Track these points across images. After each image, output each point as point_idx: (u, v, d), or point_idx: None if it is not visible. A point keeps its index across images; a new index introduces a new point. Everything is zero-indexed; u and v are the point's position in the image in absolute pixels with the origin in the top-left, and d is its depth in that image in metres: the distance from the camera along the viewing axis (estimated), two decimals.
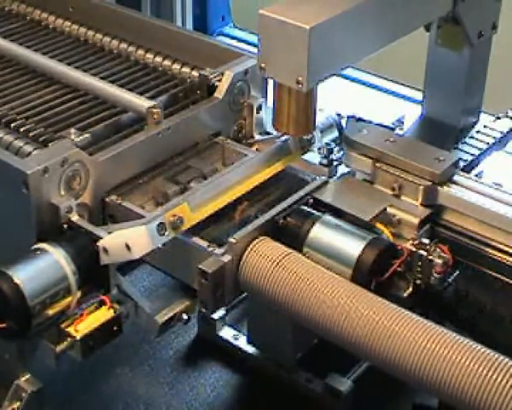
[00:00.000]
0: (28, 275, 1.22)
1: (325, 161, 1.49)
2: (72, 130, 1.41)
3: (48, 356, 1.27)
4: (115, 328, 1.28)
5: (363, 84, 2.49)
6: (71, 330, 1.25)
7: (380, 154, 1.45)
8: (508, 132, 1.76)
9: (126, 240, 1.25)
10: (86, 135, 1.40)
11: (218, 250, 1.28)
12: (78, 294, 1.26)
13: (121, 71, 1.67)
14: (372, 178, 1.44)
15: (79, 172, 1.33)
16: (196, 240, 1.31)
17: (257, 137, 1.59)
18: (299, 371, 1.56)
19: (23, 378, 1.41)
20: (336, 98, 2.08)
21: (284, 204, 1.36)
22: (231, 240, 1.28)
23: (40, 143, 1.42)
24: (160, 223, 1.28)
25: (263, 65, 1.37)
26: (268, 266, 1.26)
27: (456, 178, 1.43)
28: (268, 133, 1.60)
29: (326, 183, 1.43)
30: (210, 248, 1.28)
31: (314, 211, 1.36)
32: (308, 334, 1.34)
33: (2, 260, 1.24)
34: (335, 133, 1.73)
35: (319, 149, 1.53)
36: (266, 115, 1.59)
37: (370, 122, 1.61)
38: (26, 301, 1.20)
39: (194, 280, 1.27)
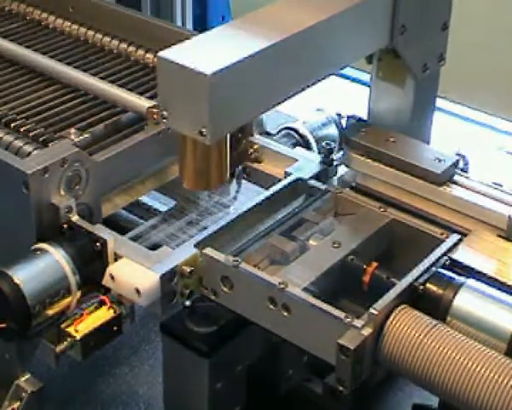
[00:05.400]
0: (28, 275, 1.22)
1: (325, 161, 1.49)
2: (72, 130, 1.41)
3: (48, 356, 1.27)
4: (115, 328, 1.28)
5: (363, 84, 2.50)
6: (71, 330, 1.25)
7: (380, 154, 1.45)
8: None
9: (137, 285, 1.21)
10: (86, 135, 1.41)
11: (358, 322, 1.14)
12: (78, 294, 1.27)
13: (121, 71, 1.67)
14: (508, 235, 1.34)
15: (79, 172, 1.33)
16: (331, 309, 1.17)
17: (257, 136, 1.59)
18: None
19: (23, 378, 1.41)
20: (336, 98, 2.08)
21: (421, 267, 1.24)
22: (372, 311, 1.15)
23: (40, 143, 1.42)
24: (172, 270, 1.24)
25: (165, 113, 1.21)
26: (414, 338, 1.14)
27: (456, 178, 1.43)
28: (268, 133, 1.60)
29: (460, 240, 1.32)
30: (347, 320, 1.15)
31: (454, 275, 1.25)
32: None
33: (2, 260, 1.24)
34: (335, 133, 1.73)
35: (319, 149, 1.53)
36: (266, 115, 1.59)
37: None
38: (26, 301, 1.20)
39: (328, 354, 1.16)
